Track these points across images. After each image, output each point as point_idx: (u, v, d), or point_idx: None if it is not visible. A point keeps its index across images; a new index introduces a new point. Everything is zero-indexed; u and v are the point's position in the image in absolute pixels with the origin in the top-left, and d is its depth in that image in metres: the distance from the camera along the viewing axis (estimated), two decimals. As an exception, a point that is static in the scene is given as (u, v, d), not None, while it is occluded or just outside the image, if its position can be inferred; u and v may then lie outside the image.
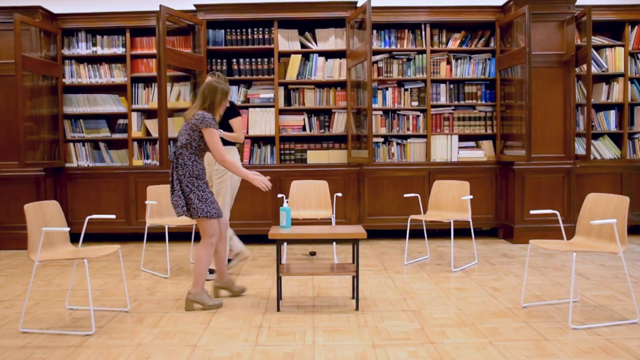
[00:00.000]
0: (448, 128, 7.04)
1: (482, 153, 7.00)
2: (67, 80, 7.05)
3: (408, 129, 7.06)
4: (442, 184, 5.80)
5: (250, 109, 6.96)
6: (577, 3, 6.60)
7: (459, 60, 7.07)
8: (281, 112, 6.97)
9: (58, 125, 6.95)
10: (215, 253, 4.38)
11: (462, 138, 7.02)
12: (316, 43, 7.05)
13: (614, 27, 7.12)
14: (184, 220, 5.31)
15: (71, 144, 7.08)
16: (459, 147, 6.99)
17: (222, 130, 4.92)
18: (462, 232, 6.39)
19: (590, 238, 4.03)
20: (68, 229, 3.97)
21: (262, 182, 4.18)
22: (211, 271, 4.96)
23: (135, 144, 7.07)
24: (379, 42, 7.07)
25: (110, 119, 7.18)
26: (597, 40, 7.03)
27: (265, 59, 6.95)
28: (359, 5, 6.77)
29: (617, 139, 7.11)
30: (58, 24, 6.94)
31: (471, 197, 5.50)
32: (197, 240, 5.35)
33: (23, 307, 3.92)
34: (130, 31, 6.97)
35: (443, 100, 7.07)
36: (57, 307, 4.31)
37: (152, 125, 6.94)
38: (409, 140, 7.05)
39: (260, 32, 6.93)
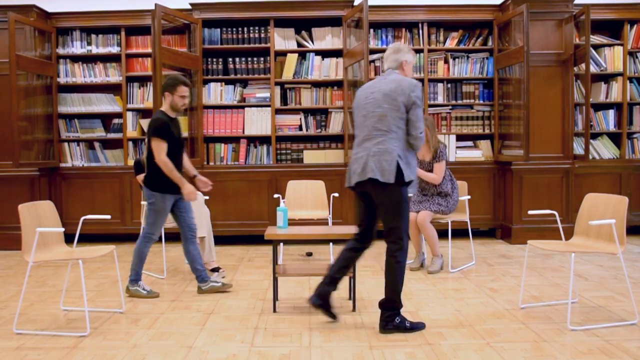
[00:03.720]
0: (446, 128, 7.02)
1: (479, 153, 6.97)
2: (62, 80, 7.01)
3: (405, 129, 7.01)
4: (440, 184, 5.77)
5: (246, 109, 6.92)
6: (575, 2, 6.57)
7: (457, 60, 7.04)
8: (277, 111, 6.94)
9: (53, 125, 6.91)
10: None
11: (460, 138, 6.99)
12: (313, 42, 7.01)
13: (613, 26, 7.09)
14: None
15: (66, 144, 7.03)
16: (457, 147, 6.96)
17: None
18: (459, 232, 6.36)
19: (588, 238, 4.01)
20: (63, 229, 3.96)
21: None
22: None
23: (130, 143, 7.03)
24: (376, 41, 7.04)
25: (105, 119, 7.13)
26: (596, 39, 7.01)
27: (262, 58, 6.92)
28: (355, 3, 6.74)
29: (615, 138, 7.09)
30: (52, 23, 6.90)
31: (469, 197, 5.48)
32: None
33: (17, 308, 3.88)
34: (125, 30, 6.93)
35: (440, 99, 7.04)
36: (52, 308, 4.29)
37: (147, 124, 6.88)
38: (406, 139, 7.01)
39: (257, 31, 6.90)
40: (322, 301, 3.74)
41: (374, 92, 3.63)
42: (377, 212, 3.72)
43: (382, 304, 3.65)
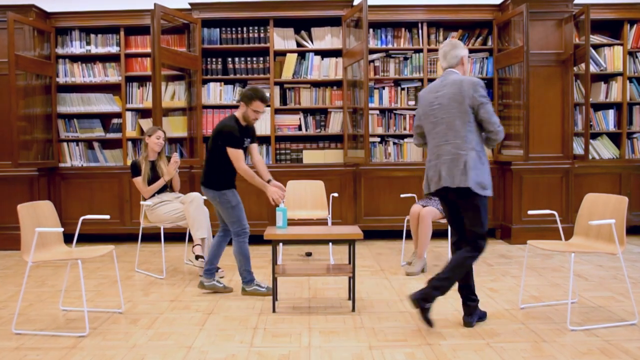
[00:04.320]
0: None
1: (479, 153, 6.95)
2: (61, 80, 7.00)
3: (405, 129, 7.02)
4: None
5: (246, 109, 6.91)
6: (575, 1, 6.57)
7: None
8: (277, 111, 6.93)
9: (52, 125, 6.90)
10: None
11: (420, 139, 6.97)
12: (312, 42, 7.01)
13: (613, 26, 7.09)
14: (179, 221, 5.28)
15: (65, 144, 7.03)
16: (456, 147, 6.94)
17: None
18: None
19: (588, 239, 4.00)
20: (62, 229, 3.95)
21: None
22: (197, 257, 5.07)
23: (129, 143, 7.03)
24: (376, 40, 7.03)
25: (104, 119, 7.13)
26: (596, 39, 7.00)
27: (261, 58, 6.91)
28: (355, 3, 6.73)
29: (615, 138, 7.08)
30: (52, 23, 6.89)
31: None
32: (190, 241, 5.33)
33: (16, 308, 3.87)
34: (124, 30, 6.92)
35: (440, 99, 7.02)
36: (51, 308, 4.28)
37: (147, 124, 6.88)
38: (405, 140, 7.02)
39: (256, 31, 6.89)
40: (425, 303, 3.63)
41: (438, 97, 3.63)
42: (459, 216, 3.73)
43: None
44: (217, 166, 4.49)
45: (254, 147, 4.72)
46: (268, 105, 4.30)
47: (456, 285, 3.69)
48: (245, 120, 4.50)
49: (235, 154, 4.40)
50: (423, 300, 3.56)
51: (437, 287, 3.57)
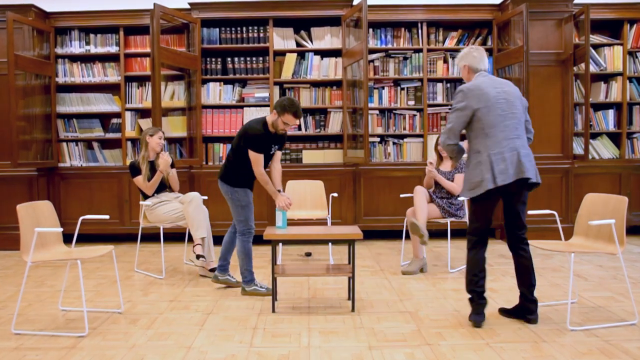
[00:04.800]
0: (445, 127, 7.00)
1: (479, 152, 6.95)
2: (60, 79, 6.99)
3: (404, 129, 7.02)
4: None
5: (245, 109, 6.91)
6: (575, 1, 6.57)
7: (456, 59, 7.02)
8: (277, 111, 6.91)
9: (51, 125, 6.90)
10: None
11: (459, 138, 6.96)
12: (312, 42, 7.00)
13: (613, 26, 7.09)
14: (178, 221, 5.27)
15: (64, 144, 7.02)
16: (456, 147, 6.94)
17: None
18: (459, 232, 6.34)
19: (588, 239, 4.00)
20: (61, 229, 3.95)
21: None
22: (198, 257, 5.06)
23: (129, 143, 7.02)
24: (375, 40, 7.03)
25: (104, 119, 7.12)
26: (596, 38, 7.00)
27: (260, 58, 6.91)
28: (355, 3, 6.73)
29: (615, 138, 7.08)
30: (51, 23, 6.89)
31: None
32: (190, 241, 5.32)
33: (16, 308, 3.87)
34: (123, 30, 6.92)
35: (440, 99, 7.03)
36: (50, 308, 4.28)
37: (146, 124, 6.87)
38: (405, 140, 7.02)
39: (255, 31, 6.89)
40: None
41: (501, 92, 3.66)
42: (515, 209, 3.80)
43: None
44: (236, 164, 4.53)
45: (277, 154, 4.72)
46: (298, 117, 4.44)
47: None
48: (274, 128, 4.46)
49: (255, 158, 4.41)
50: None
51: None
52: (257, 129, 4.42)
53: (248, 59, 6.92)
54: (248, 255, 4.53)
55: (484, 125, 3.64)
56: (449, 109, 6.96)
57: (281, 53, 6.94)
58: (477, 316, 3.71)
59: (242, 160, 4.48)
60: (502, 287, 4.68)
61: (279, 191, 4.57)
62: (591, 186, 6.55)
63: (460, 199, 5.37)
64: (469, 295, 3.76)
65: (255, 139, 4.40)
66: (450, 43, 7.05)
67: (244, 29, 6.90)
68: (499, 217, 6.87)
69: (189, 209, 5.15)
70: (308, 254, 6.14)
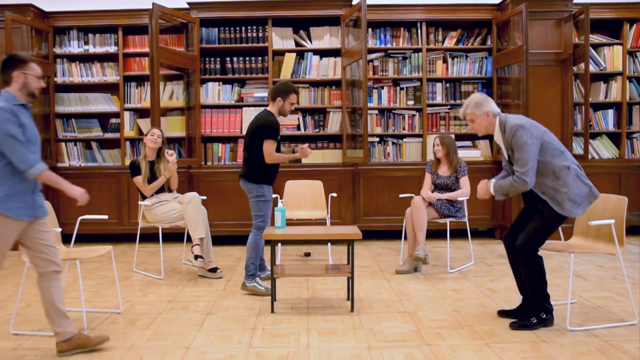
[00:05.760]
0: (444, 127, 7.00)
1: (478, 153, 6.96)
2: (59, 79, 6.99)
3: (404, 129, 7.01)
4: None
5: (244, 108, 6.90)
6: (575, 1, 6.56)
7: (455, 59, 7.03)
8: (276, 111, 6.90)
9: (50, 125, 6.88)
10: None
11: (459, 137, 6.96)
12: (311, 41, 6.99)
13: (612, 25, 7.08)
14: (177, 221, 5.26)
15: (63, 144, 7.01)
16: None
17: None
18: (458, 232, 6.35)
19: (588, 239, 4.00)
20: (60, 229, 3.96)
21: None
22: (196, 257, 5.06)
23: (127, 143, 7.01)
24: (375, 40, 7.02)
25: (103, 118, 7.11)
26: (595, 38, 6.99)
27: (259, 58, 6.90)
28: (354, 3, 6.71)
29: (615, 138, 7.07)
30: (50, 22, 6.88)
31: (467, 197, 5.45)
32: (189, 241, 5.31)
33: (14, 308, 3.88)
34: (122, 29, 6.91)
35: (439, 99, 7.02)
36: (48, 309, 4.25)
37: (145, 124, 6.86)
38: (404, 139, 7.01)
39: (254, 31, 6.88)
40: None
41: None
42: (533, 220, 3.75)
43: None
44: (255, 161, 4.69)
45: None
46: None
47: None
48: (281, 114, 4.77)
49: (268, 146, 4.62)
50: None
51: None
52: (270, 119, 4.67)
53: (247, 58, 6.91)
54: (257, 250, 4.65)
55: (555, 144, 3.70)
56: (449, 108, 6.95)
57: (280, 53, 6.93)
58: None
59: (260, 156, 4.65)
60: (502, 288, 4.67)
61: (292, 152, 4.97)
62: (591, 186, 6.53)
63: (461, 198, 5.36)
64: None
65: (272, 127, 4.63)
66: (449, 43, 7.04)
67: (243, 28, 6.89)
68: (498, 217, 6.88)
69: (187, 209, 5.14)
70: (307, 254, 6.13)
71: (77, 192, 3.50)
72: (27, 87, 3.25)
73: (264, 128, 4.62)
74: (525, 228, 3.70)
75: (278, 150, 4.79)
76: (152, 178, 5.33)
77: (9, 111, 3.11)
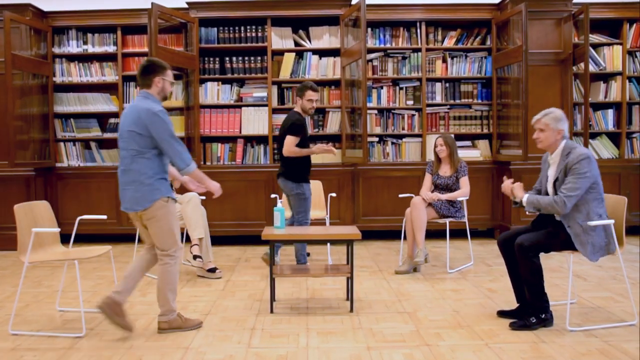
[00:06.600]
0: (444, 127, 7.00)
1: (478, 153, 6.95)
2: (58, 79, 6.97)
3: (403, 129, 7.01)
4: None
5: (243, 108, 6.89)
6: (574, 1, 6.56)
7: (455, 59, 7.02)
8: (274, 111, 6.90)
9: (48, 125, 6.87)
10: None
11: (458, 137, 6.95)
12: (310, 41, 6.99)
13: (612, 25, 7.07)
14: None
15: (62, 144, 7.00)
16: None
17: None
18: (457, 232, 6.34)
19: (588, 238, 3.98)
20: (58, 229, 3.94)
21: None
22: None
23: (127, 143, 6.98)
24: (374, 40, 7.02)
25: (101, 118, 7.10)
26: (595, 38, 6.99)
27: (259, 58, 6.89)
28: (353, 2, 6.71)
29: (615, 138, 7.07)
30: (48, 22, 6.87)
31: (467, 197, 5.45)
32: (188, 241, 5.30)
33: (13, 308, 3.86)
34: (121, 29, 6.90)
35: (438, 99, 7.02)
36: (48, 308, 4.26)
37: (145, 124, 6.85)
38: (404, 139, 7.00)
39: (254, 30, 6.87)
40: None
41: None
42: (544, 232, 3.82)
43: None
44: (292, 160, 5.14)
45: None
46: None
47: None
48: (304, 112, 5.20)
49: (291, 140, 5.05)
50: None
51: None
52: (301, 119, 5.14)
53: (246, 58, 6.90)
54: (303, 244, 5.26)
55: (600, 190, 3.70)
56: (448, 108, 6.94)
57: (279, 52, 6.92)
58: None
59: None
60: (501, 288, 4.66)
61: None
62: (590, 186, 6.52)
63: (460, 198, 5.35)
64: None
65: (295, 124, 5.06)
66: (449, 42, 7.04)
67: (242, 28, 6.88)
68: (498, 217, 6.88)
69: (186, 209, 5.13)
70: (306, 254, 6.11)
71: (216, 186, 3.88)
72: (164, 91, 3.80)
73: (289, 125, 5.07)
74: (531, 233, 3.73)
75: (306, 146, 5.15)
76: None
77: (166, 113, 3.56)
